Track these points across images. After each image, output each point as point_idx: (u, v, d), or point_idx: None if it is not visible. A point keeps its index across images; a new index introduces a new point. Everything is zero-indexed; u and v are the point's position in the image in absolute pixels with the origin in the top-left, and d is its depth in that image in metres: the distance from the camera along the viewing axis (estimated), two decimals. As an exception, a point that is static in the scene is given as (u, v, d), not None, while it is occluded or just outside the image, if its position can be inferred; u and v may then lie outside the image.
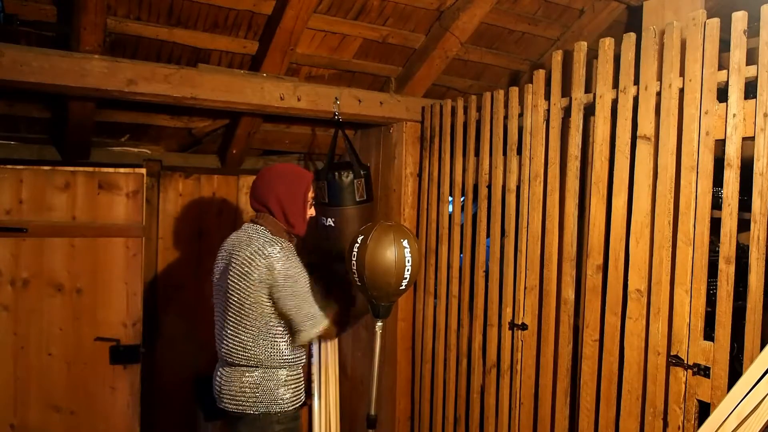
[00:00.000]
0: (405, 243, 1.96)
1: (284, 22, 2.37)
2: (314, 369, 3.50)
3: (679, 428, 1.88)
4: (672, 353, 1.91)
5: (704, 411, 1.79)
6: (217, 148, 3.35)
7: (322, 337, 2.21)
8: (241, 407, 2.12)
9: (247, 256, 2.05)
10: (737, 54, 1.78)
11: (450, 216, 2.94)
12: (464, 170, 2.85)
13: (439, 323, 2.96)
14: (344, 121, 2.91)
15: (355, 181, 2.70)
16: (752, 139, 1.74)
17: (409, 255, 1.96)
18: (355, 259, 1.97)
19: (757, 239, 1.71)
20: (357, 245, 1.98)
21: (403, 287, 1.98)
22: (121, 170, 3.02)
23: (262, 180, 2.19)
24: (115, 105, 2.67)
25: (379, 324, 2.14)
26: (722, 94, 1.82)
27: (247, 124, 2.99)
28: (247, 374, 2.13)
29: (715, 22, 1.84)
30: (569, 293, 2.29)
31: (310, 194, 2.25)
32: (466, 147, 2.84)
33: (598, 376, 2.15)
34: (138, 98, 2.46)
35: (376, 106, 2.95)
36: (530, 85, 2.48)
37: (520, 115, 2.54)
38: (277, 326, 2.13)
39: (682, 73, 1.92)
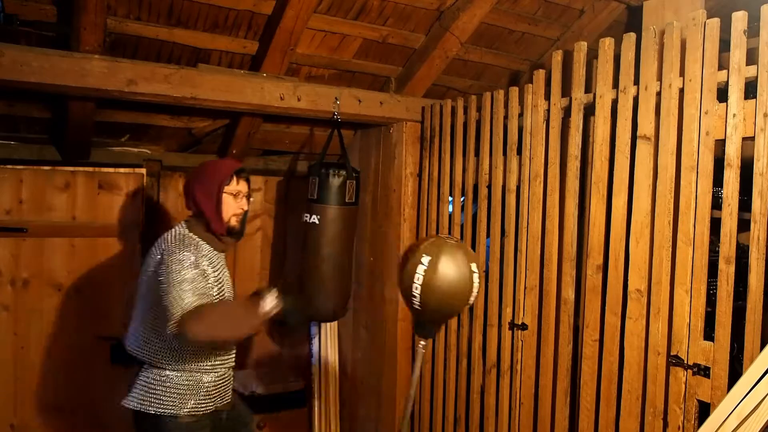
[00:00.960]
0: (474, 267, 1.82)
1: (284, 22, 2.37)
2: (314, 369, 3.50)
3: (679, 428, 1.88)
4: (672, 353, 1.91)
5: (704, 411, 1.79)
6: (217, 148, 3.35)
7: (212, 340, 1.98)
8: (137, 404, 2.01)
9: (153, 251, 2.05)
10: (737, 54, 1.78)
11: (450, 216, 2.94)
12: (464, 170, 2.85)
13: (439, 323, 2.96)
14: (344, 121, 2.92)
15: (348, 182, 2.71)
16: (752, 139, 1.74)
17: (477, 280, 1.83)
18: (420, 282, 1.78)
19: (757, 239, 1.71)
20: (422, 267, 1.78)
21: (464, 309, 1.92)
22: (121, 170, 3.03)
23: (185, 182, 2.16)
24: (115, 105, 2.67)
25: (423, 344, 1.96)
26: (722, 94, 1.82)
27: (247, 124, 2.99)
28: (145, 371, 2.05)
29: (715, 22, 1.84)
30: (569, 293, 2.29)
31: (233, 188, 2.10)
32: (466, 147, 2.84)
33: (598, 376, 2.15)
34: (138, 98, 2.46)
35: (376, 106, 2.95)
36: (530, 85, 2.48)
37: (520, 115, 2.54)
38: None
39: (682, 73, 1.92)
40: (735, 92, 1.78)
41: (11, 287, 2.84)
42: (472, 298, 1.84)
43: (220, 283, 2.07)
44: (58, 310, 2.91)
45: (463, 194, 2.88)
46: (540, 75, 2.44)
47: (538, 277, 2.42)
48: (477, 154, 2.78)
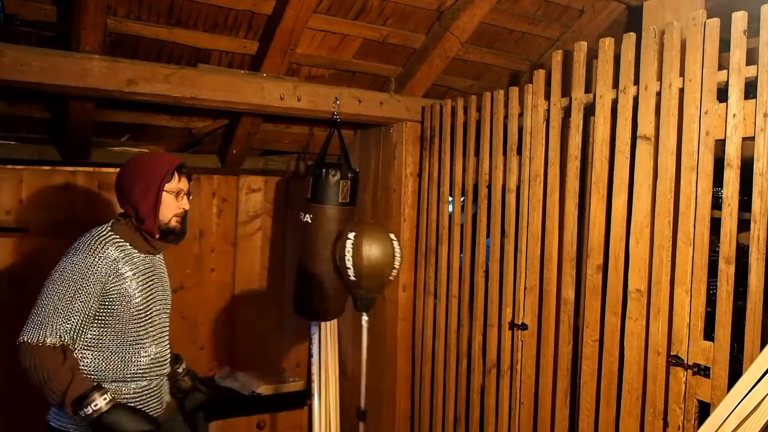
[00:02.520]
0: (393, 236, 2.18)
1: (284, 22, 2.37)
2: (314, 369, 3.50)
3: (679, 428, 1.88)
4: (672, 353, 1.91)
5: (704, 411, 1.79)
6: (217, 148, 3.35)
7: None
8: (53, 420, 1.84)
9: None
10: (737, 54, 1.78)
11: (450, 216, 2.94)
12: (464, 170, 2.85)
13: (439, 323, 2.96)
14: (344, 121, 2.92)
15: (341, 181, 2.71)
16: (752, 139, 1.74)
17: (398, 248, 2.17)
18: (350, 255, 2.09)
19: (757, 239, 1.71)
20: (350, 242, 2.10)
21: (391, 278, 2.20)
22: (121, 170, 3.02)
23: (117, 176, 1.93)
24: (115, 105, 2.67)
25: (365, 318, 2.26)
26: (722, 94, 1.82)
27: (247, 124, 2.99)
28: None
29: (715, 22, 1.84)
30: (569, 293, 2.29)
31: (174, 185, 1.90)
32: (466, 147, 2.84)
33: (598, 376, 2.15)
34: (138, 98, 2.45)
35: (376, 106, 2.95)
36: (530, 85, 2.48)
37: (520, 115, 2.54)
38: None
39: (682, 73, 1.92)
40: (735, 92, 1.78)
41: (11, 287, 2.84)
42: (397, 262, 2.16)
43: (145, 289, 1.88)
44: (58, 310, 2.91)
45: (463, 194, 2.88)
46: (540, 75, 2.44)
47: (538, 277, 2.42)
48: (477, 154, 2.78)
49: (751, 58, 1.76)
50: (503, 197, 2.61)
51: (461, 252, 2.87)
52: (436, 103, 3.01)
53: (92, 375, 1.79)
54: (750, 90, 1.77)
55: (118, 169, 3.01)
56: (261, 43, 2.56)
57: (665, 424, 1.92)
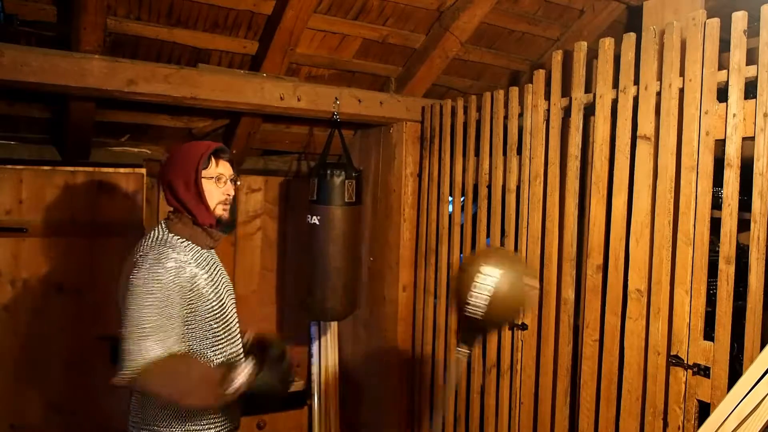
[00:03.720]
0: (528, 280, 1.82)
1: (284, 22, 2.37)
2: (314, 369, 3.51)
3: (679, 428, 1.88)
4: (672, 353, 1.91)
5: (704, 411, 1.79)
6: (217, 148, 3.35)
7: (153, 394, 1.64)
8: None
9: (130, 257, 1.73)
10: (737, 54, 1.78)
11: (450, 216, 2.94)
12: (464, 170, 2.85)
13: (439, 323, 2.96)
14: (344, 121, 2.92)
15: (347, 181, 2.72)
16: (752, 139, 1.74)
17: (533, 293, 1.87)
18: (488, 293, 1.72)
19: (757, 239, 1.71)
20: (489, 278, 1.72)
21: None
22: (121, 170, 3.03)
23: (159, 173, 1.83)
24: (115, 105, 2.67)
25: (467, 351, 1.85)
26: (722, 94, 1.82)
27: (247, 124, 2.99)
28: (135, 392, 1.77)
29: (715, 22, 1.84)
30: (569, 293, 2.29)
31: (212, 171, 1.77)
32: (466, 147, 2.84)
33: (598, 376, 2.15)
34: (138, 98, 2.46)
35: (376, 106, 2.95)
36: (530, 85, 2.48)
37: (520, 115, 2.54)
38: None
39: (682, 73, 1.92)
40: (735, 92, 1.78)
41: (11, 287, 2.84)
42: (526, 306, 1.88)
43: (215, 284, 1.76)
44: (58, 310, 2.91)
45: (463, 194, 2.88)
46: (540, 75, 2.44)
47: (538, 277, 2.42)
48: (477, 154, 2.78)
49: (751, 58, 1.76)
50: (503, 197, 2.61)
51: (461, 252, 2.86)
52: (436, 103, 3.01)
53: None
54: (750, 90, 1.77)
55: (118, 170, 3.03)
56: (261, 43, 2.56)
57: (665, 424, 1.92)
